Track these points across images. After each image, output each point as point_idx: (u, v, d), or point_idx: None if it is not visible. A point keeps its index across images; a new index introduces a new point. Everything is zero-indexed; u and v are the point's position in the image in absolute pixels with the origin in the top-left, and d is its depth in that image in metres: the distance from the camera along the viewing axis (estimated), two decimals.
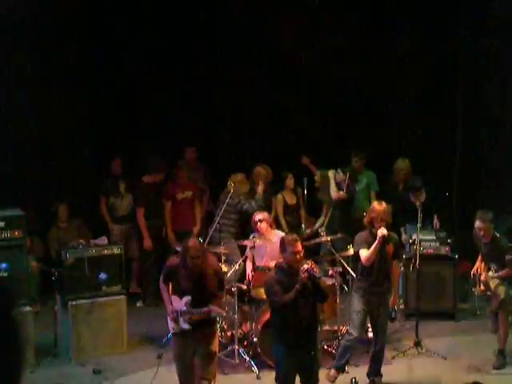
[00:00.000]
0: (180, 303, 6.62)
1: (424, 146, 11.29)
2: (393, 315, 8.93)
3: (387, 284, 7.87)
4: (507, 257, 8.24)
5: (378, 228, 7.66)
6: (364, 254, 7.73)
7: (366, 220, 7.89)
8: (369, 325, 8.13)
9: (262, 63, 11.56)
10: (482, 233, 8.28)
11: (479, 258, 8.64)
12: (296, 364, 6.70)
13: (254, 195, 10.37)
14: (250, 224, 9.49)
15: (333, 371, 7.90)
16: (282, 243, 6.75)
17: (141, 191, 10.82)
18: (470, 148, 11.13)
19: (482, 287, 8.51)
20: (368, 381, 7.94)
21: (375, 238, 7.67)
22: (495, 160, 10.87)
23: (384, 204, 7.92)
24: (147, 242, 10.75)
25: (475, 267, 8.66)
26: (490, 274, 8.40)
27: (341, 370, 7.95)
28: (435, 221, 10.15)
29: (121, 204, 11.08)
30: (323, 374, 7.59)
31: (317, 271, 6.76)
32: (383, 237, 7.62)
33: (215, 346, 6.83)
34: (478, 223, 8.28)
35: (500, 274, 8.32)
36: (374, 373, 7.96)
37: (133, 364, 8.51)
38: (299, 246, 6.65)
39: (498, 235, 8.39)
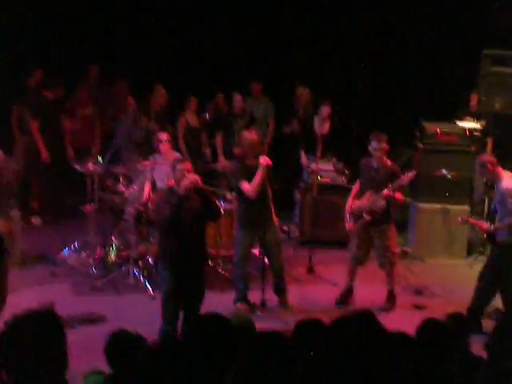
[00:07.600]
0: None
1: (325, 79, 11.41)
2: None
3: (269, 208, 7.84)
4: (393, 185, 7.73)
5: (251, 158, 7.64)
6: (247, 187, 7.59)
7: (237, 150, 7.84)
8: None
9: None
10: (378, 154, 7.83)
11: (354, 190, 8.20)
12: (180, 289, 6.70)
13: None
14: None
15: (238, 304, 7.82)
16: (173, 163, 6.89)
17: (37, 104, 10.42)
18: (372, 82, 11.26)
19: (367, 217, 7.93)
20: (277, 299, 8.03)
21: (250, 168, 7.61)
22: (395, 93, 11.07)
23: (254, 134, 7.91)
24: (44, 154, 10.39)
25: (350, 204, 8.10)
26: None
27: (243, 300, 7.88)
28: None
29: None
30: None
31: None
32: (267, 165, 7.52)
33: None
34: (374, 144, 7.83)
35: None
36: (282, 290, 8.03)
37: (25, 280, 8.39)
38: (187, 165, 6.71)
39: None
